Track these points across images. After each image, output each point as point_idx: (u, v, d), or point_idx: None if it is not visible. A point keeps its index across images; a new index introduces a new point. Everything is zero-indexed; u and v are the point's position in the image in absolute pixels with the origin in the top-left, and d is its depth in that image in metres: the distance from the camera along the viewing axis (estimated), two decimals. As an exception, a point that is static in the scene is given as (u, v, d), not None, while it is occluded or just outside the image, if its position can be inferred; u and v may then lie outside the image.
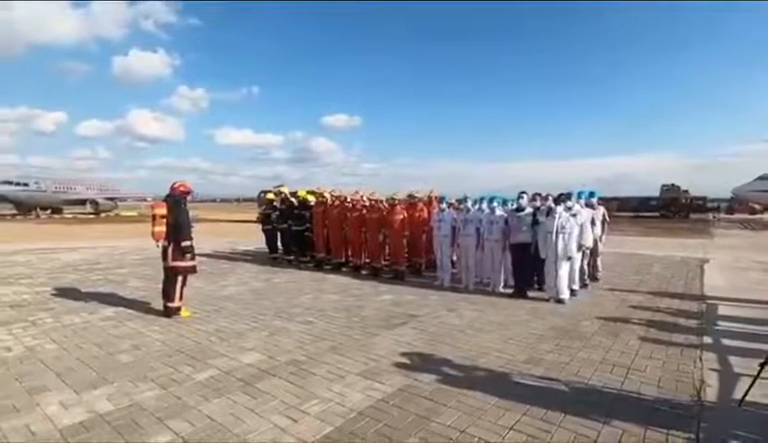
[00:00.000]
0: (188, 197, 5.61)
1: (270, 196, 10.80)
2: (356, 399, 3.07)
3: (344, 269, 8.84)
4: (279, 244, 10.31)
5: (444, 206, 7.62)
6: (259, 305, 5.90)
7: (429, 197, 8.93)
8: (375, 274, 8.25)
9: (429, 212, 8.29)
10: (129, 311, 5.48)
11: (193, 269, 5.43)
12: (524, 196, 6.62)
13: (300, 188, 10.71)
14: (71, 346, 4.17)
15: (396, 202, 8.05)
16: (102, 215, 36.76)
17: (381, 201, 8.43)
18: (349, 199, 8.79)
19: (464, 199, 7.43)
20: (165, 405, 2.96)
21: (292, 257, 9.74)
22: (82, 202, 38.88)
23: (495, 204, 6.92)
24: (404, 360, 3.85)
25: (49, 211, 36.74)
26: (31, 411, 2.88)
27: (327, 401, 3.02)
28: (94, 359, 3.83)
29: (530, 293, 6.49)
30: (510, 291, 6.70)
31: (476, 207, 7.23)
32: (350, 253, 8.88)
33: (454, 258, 7.85)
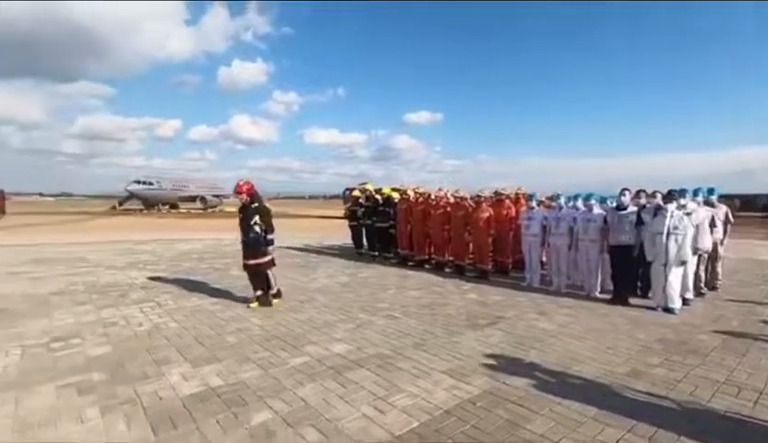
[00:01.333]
0: (243, 197, 5.57)
1: (356, 193, 11.17)
2: (442, 397, 3.06)
3: (427, 267, 8.84)
4: (364, 240, 10.63)
5: (533, 203, 7.23)
6: (346, 298, 6.15)
7: (517, 195, 8.56)
8: (458, 272, 8.13)
9: (517, 210, 7.93)
10: (232, 297, 6.06)
11: (258, 267, 5.55)
12: (626, 193, 6.01)
13: (384, 186, 10.94)
14: (188, 326, 4.74)
15: (482, 199, 7.83)
16: (209, 210, 41.10)
17: (466, 198, 8.27)
18: (433, 197, 8.76)
19: (557, 197, 6.98)
20: (265, 385, 3.23)
21: (376, 253, 9.99)
22: (193, 199, 43.88)
23: (592, 201, 6.40)
24: (491, 362, 3.74)
25: (168, 207, 42.06)
26: (159, 379, 3.33)
27: (413, 396, 3.05)
28: (207, 338, 4.31)
29: (632, 300, 5.90)
30: (607, 296, 6.16)
31: (570, 204, 6.74)
32: (433, 250, 8.85)
33: (544, 259, 7.43)
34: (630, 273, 6.04)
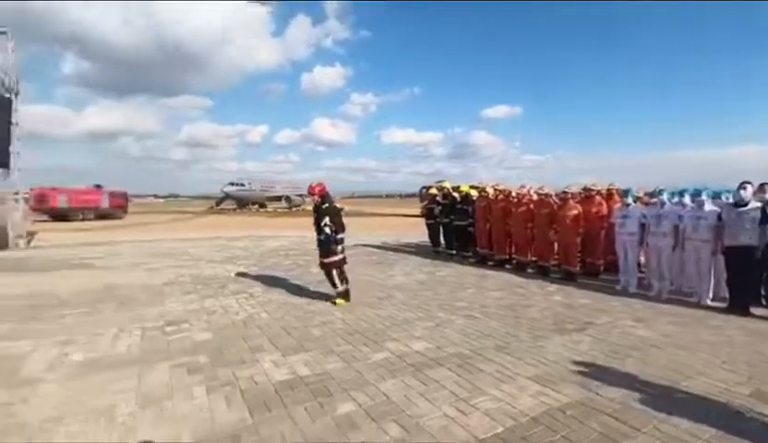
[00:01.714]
0: (315, 198, 5.76)
1: (433, 191, 11.11)
2: (528, 403, 2.91)
3: (508, 267, 8.51)
4: (441, 238, 10.54)
5: (629, 200, 6.60)
6: (424, 296, 6.14)
7: (609, 191, 7.87)
8: (542, 273, 7.70)
9: (610, 207, 7.31)
10: (315, 292, 6.36)
11: (330, 264, 5.69)
12: (748, 186, 5.23)
13: (462, 183, 10.73)
14: (277, 317, 5.08)
15: (569, 196, 7.33)
16: (294, 209, 43.69)
17: (550, 195, 7.80)
18: (514, 194, 8.40)
19: (658, 192, 6.29)
20: (348, 377, 3.35)
21: (454, 252, 9.85)
22: (279, 198, 46.94)
23: (703, 197, 5.66)
24: (581, 369, 3.49)
25: (257, 206, 45.49)
26: (253, 365, 3.61)
27: (496, 400, 2.95)
28: (294, 329, 4.58)
29: (754, 310, 5.13)
30: (721, 304, 5.43)
31: (675, 200, 6.04)
32: (514, 249, 8.49)
33: (641, 261, 6.75)
34: (752, 278, 5.25)
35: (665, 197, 6.15)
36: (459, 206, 9.52)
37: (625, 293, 6.31)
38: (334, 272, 5.71)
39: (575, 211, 7.14)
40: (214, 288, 6.67)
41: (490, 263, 8.83)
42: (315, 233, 5.87)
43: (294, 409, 2.84)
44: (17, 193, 12.00)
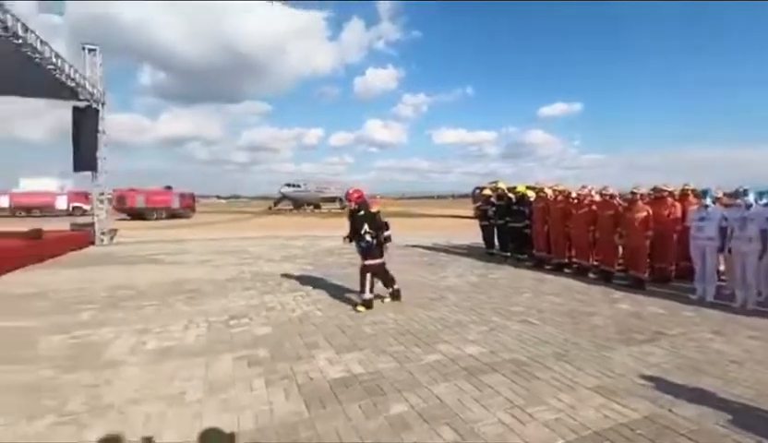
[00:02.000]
0: (352, 204, 5.74)
1: (487, 191, 10.85)
2: (591, 416, 2.76)
3: (567, 271, 8.11)
4: (495, 240, 10.26)
5: (708, 201, 6.04)
6: (477, 299, 6.01)
7: (684, 191, 7.26)
8: (605, 279, 7.26)
9: (684, 209, 6.74)
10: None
11: (370, 268, 5.53)
12: None
13: (518, 183, 10.39)
14: (331, 315, 5.21)
15: (637, 197, 6.84)
16: (346, 209, 44.52)
17: (615, 196, 7.33)
18: (574, 194, 7.99)
19: (743, 192, 5.70)
20: (401, 378, 3.35)
21: (508, 254, 9.55)
22: (333, 199, 48.08)
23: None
24: (651, 384, 3.24)
25: (312, 207, 46.92)
26: (309, 361, 3.73)
27: (555, 411, 2.82)
28: (347, 328, 4.67)
29: None
30: (822, 319, 4.81)
31: (763, 202, 5.45)
32: (574, 253, 8.08)
33: (721, 268, 6.15)
34: None
35: (751, 197, 5.56)
36: (515, 207, 9.22)
37: (701, 302, 5.78)
38: (368, 276, 5.48)
39: (644, 213, 6.65)
40: (272, 285, 6.97)
41: (547, 267, 8.47)
42: (351, 240, 5.72)
43: (348, 406, 2.89)
44: (102, 194, 13.28)
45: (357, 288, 5.68)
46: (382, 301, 5.77)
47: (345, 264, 9.16)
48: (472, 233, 12.82)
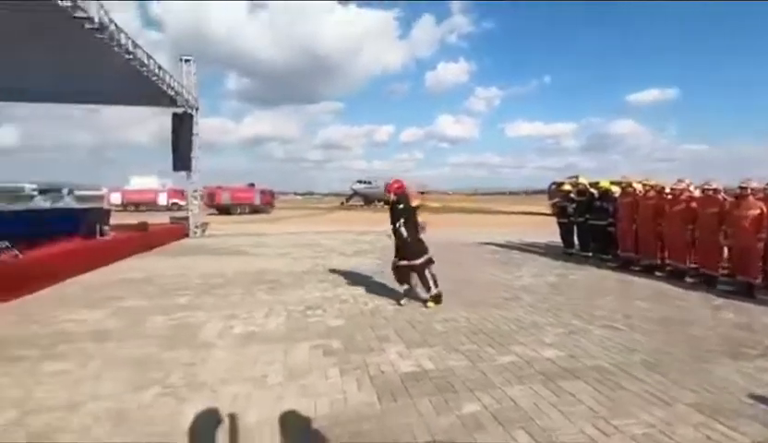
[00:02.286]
0: (391, 196, 5.61)
1: (566, 187, 10.21)
2: (689, 435, 2.48)
3: (658, 274, 7.37)
4: (575, 238, 9.64)
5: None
6: (555, 301, 5.70)
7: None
8: (706, 283, 6.48)
9: (810, 206, 5.78)
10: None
11: (412, 268, 5.37)
12: None
13: (601, 178, 9.64)
14: (402, 309, 5.26)
15: (747, 192, 6.00)
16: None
17: (720, 191, 6.51)
18: (668, 189, 7.23)
19: None
20: (473, 377, 3.29)
21: (590, 254, 8.91)
22: (403, 195, 48.31)
23: None
24: (765, 405, 2.84)
25: (382, 203, 47.64)
26: (381, 354, 3.80)
27: (646, 425, 2.58)
28: (418, 323, 4.69)
29: None
30: None
31: None
32: (667, 254, 7.32)
33: None
34: None
35: None
36: (597, 203, 8.58)
37: (833, 315, 4.94)
38: (427, 273, 5.33)
39: (756, 211, 5.82)
40: (344, 279, 7.20)
41: (635, 268, 7.77)
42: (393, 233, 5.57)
43: (419, 401, 2.91)
44: (195, 191, 14.67)
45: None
46: (425, 305, 5.43)
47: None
48: (547, 231, 12.16)
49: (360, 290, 6.34)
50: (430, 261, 5.44)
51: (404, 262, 5.42)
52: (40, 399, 2.95)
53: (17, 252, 6.29)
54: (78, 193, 9.62)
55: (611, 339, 4.18)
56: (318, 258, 9.40)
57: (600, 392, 3.03)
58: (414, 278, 5.50)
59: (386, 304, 5.54)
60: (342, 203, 50.53)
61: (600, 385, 3.15)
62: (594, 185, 9.14)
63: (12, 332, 4.41)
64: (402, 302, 5.47)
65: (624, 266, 7.97)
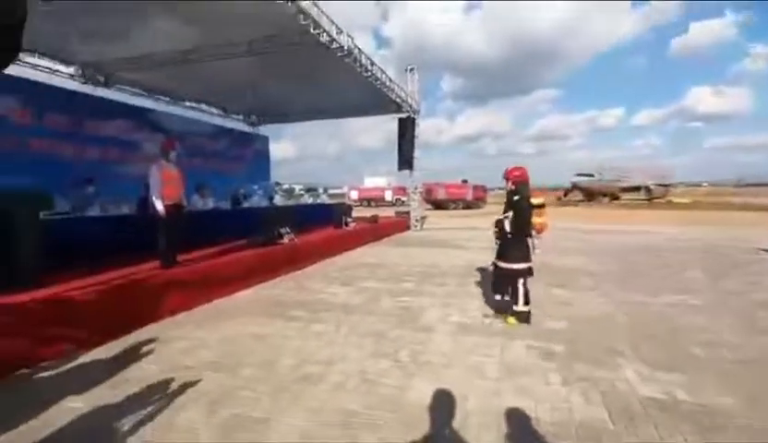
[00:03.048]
0: (508, 184, 4.67)
1: None
2: None
3: None
4: None
5: None
6: None
7: None
8: None
9: None
10: (688, 302, 5.15)
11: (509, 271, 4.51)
12: None
13: None
14: (638, 322, 4.45)
15: None
16: (653, 201, 37.25)
17: None
18: None
19: None
20: (759, 425, 2.51)
21: None
22: (637, 189, 41.14)
23: None
24: None
25: (608, 197, 41.67)
26: (613, 369, 3.31)
27: None
28: (664, 342, 3.89)
29: None
30: None
31: None
32: None
33: None
34: None
35: None
36: None
37: None
38: (520, 284, 4.46)
39: None
40: (564, 278, 6.63)
41: None
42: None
43: (666, 434, 2.41)
44: (416, 187, 16.13)
45: (674, 293, 4.60)
46: (505, 320, 4.52)
47: (660, 265, 7.69)
48: None
49: (585, 294, 5.72)
50: (529, 272, 4.55)
51: (502, 264, 4.63)
52: (309, 352, 3.81)
53: (293, 237, 8.27)
54: (330, 191, 11.98)
55: None
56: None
57: None
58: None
59: (618, 311, 4.83)
60: (560, 198, 46.50)
61: None
62: None
63: (291, 297, 5.84)
64: (488, 318, 4.68)
65: None
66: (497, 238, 4.75)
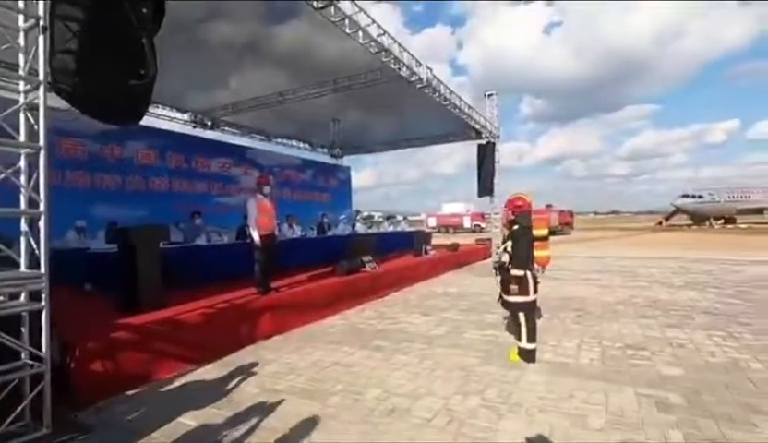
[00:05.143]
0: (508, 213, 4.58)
1: None
2: None
3: None
4: None
5: None
6: None
7: None
8: None
9: None
10: None
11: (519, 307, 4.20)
12: None
13: None
14: (779, 373, 3.77)
15: None
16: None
17: None
18: None
19: None
20: None
21: None
22: (759, 211, 35.73)
23: None
24: None
25: (722, 221, 36.61)
26: (750, 429, 2.81)
27: None
28: (815, 399, 3.23)
29: None
30: None
31: None
32: None
33: None
34: None
35: None
36: None
37: None
38: (521, 317, 4.19)
39: None
40: (676, 317, 5.86)
41: None
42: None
43: None
44: (497, 213, 15.63)
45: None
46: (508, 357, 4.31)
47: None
48: None
49: (702, 335, 4.98)
50: (531, 306, 4.26)
51: (504, 296, 4.39)
52: (394, 384, 3.77)
53: (375, 265, 8.42)
54: (409, 218, 12.08)
55: None
56: (635, 289, 8.07)
57: None
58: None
59: (750, 358, 4.12)
60: (660, 223, 41.91)
61: None
62: None
63: (374, 326, 5.89)
64: (511, 358, 4.30)
65: None
66: (495, 269, 4.59)
